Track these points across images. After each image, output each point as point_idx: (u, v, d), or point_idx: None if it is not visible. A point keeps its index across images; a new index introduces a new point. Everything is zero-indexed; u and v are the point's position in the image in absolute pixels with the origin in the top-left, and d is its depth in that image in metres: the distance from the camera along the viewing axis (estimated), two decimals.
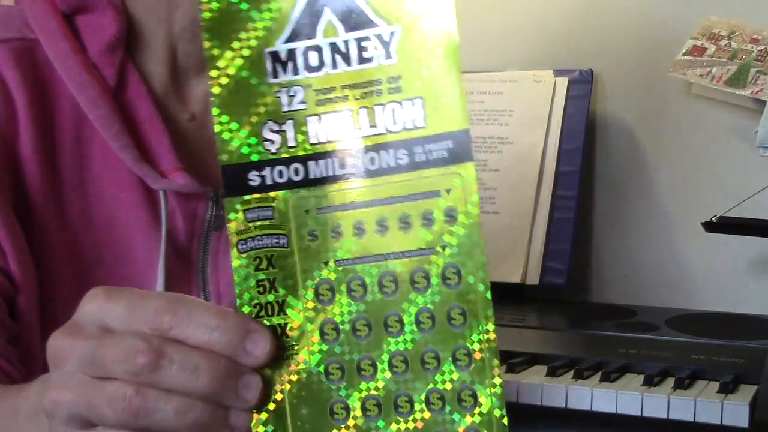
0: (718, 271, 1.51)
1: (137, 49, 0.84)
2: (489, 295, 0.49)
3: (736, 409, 1.00)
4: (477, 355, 0.49)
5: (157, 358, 0.48)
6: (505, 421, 0.49)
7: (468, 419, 0.49)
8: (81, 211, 0.80)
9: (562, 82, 1.53)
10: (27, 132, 0.78)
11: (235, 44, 0.51)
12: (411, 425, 0.49)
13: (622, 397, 1.04)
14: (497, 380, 0.49)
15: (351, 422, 0.49)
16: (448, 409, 0.49)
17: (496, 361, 0.49)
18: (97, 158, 0.81)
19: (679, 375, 1.09)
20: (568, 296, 1.51)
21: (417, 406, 0.49)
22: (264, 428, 0.50)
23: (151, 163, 0.81)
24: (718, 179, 1.51)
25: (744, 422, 0.99)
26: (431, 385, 0.49)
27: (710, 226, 1.34)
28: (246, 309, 0.50)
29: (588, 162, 1.55)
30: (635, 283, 1.56)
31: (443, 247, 0.49)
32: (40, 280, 0.78)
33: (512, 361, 1.14)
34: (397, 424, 0.49)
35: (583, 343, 1.24)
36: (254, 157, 0.50)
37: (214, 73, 0.51)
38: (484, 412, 0.49)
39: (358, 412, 0.49)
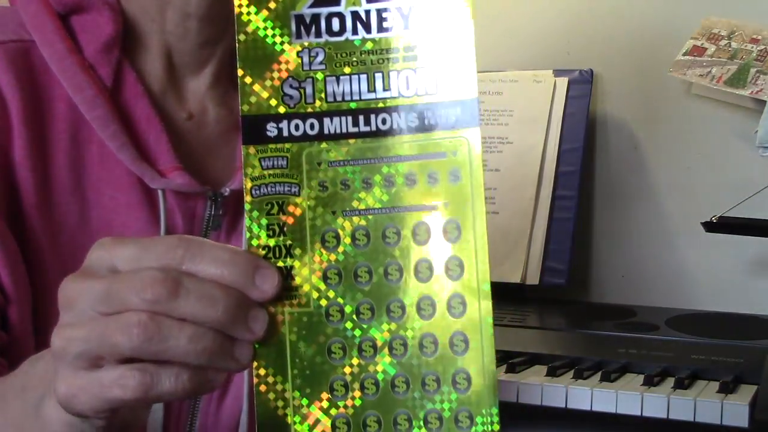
0: (718, 271, 1.51)
1: (133, 49, 0.84)
2: (486, 249, 0.53)
3: (736, 409, 1.00)
4: (469, 299, 0.53)
5: (175, 287, 0.50)
6: (492, 334, 0.52)
7: (459, 362, 0.53)
8: (77, 214, 0.80)
9: (562, 82, 1.53)
10: (20, 138, 0.77)
11: (263, 2, 0.54)
12: (405, 368, 0.53)
13: (622, 397, 1.04)
14: (489, 320, 0.53)
15: (347, 361, 0.53)
16: (440, 352, 0.53)
17: (489, 307, 0.53)
18: (94, 160, 0.81)
19: (679, 375, 1.09)
20: (568, 296, 1.51)
21: (411, 350, 0.53)
22: (265, 362, 0.53)
23: (150, 162, 0.81)
24: (718, 179, 1.51)
25: (744, 422, 0.99)
26: (426, 330, 0.53)
27: (710, 226, 1.34)
28: (255, 251, 0.53)
29: (588, 162, 1.55)
30: (635, 283, 1.56)
31: (446, 204, 0.53)
32: (33, 290, 0.77)
33: (512, 361, 1.14)
34: (391, 364, 0.53)
35: (583, 343, 1.24)
36: (273, 110, 0.54)
37: (241, 28, 0.54)
38: (475, 355, 0.52)
39: (355, 352, 0.53)
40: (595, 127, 1.58)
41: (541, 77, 1.55)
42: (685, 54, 1.51)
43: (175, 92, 0.86)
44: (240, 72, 0.54)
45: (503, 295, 1.43)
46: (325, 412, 0.53)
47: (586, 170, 1.54)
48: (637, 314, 1.39)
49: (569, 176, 1.48)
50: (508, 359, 1.14)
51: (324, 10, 0.54)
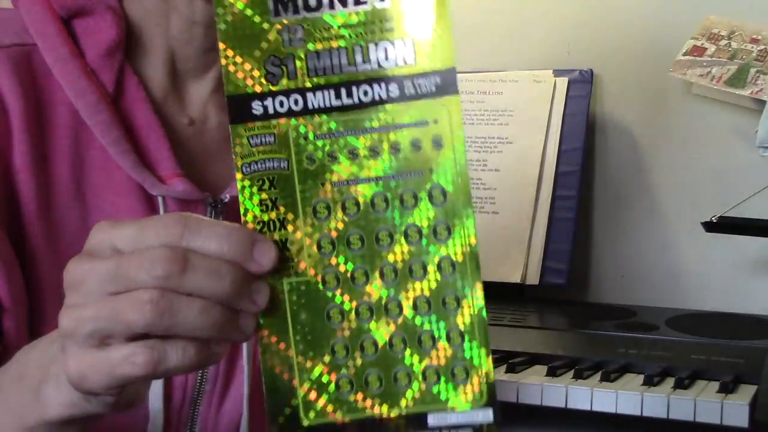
0: (718, 271, 1.51)
1: (136, 54, 0.84)
2: (471, 211, 0.55)
3: (736, 409, 1.00)
4: (459, 262, 0.55)
5: (183, 263, 0.52)
6: (485, 320, 0.55)
7: (452, 321, 0.55)
8: (78, 220, 0.79)
9: (562, 82, 1.53)
10: (21, 143, 0.77)
11: None
12: (401, 328, 0.55)
13: (622, 397, 1.04)
14: (479, 285, 0.55)
15: (345, 324, 0.55)
16: (433, 311, 0.55)
17: (477, 269, 0.55)
18: (95, 165, 0.80)
19: (679, 375, 1.09)
20: (568, 296, 1.51)
21: (405, 311, 0.55)
22: (268, 330, 0.55)
23: (150, 168, 0.80)
24: (718, 179, 1.51)
25: (744, 422, 0.99)
26: (419, 293, 0.55)
27: (710, 226, 1.34)
28: (250, 226, 0.55)
29: (588, 162, 1.55)
30: (635, 283, 1.56)
31: (430, 170, 0.55)
32: (29, 298, 0.77)
33: (512, 361, 1.14)
34: (387, 325, 0.55)
35: (583, 343, 1.24)
36: (257, 89, 0.56)
37: (220, 10, 0.56)
38: (466, 314, 0.55)
39: (352, 316, 0.55)
40: (595, 127, 1.58)
41: (541, 77, 1.55)
42: (685, 54, 1.51)
43: (176, 97, 0.86)
44: (222, 53, 0.55)
45: (503, 295, 1.44)
46: (329, 373, 0.55)
47: (586, 170, 1.54)
48: (637, 314, 1.39)
49: (569, 176, 1.48)
50: (508, 359, 1.15)
51: None
